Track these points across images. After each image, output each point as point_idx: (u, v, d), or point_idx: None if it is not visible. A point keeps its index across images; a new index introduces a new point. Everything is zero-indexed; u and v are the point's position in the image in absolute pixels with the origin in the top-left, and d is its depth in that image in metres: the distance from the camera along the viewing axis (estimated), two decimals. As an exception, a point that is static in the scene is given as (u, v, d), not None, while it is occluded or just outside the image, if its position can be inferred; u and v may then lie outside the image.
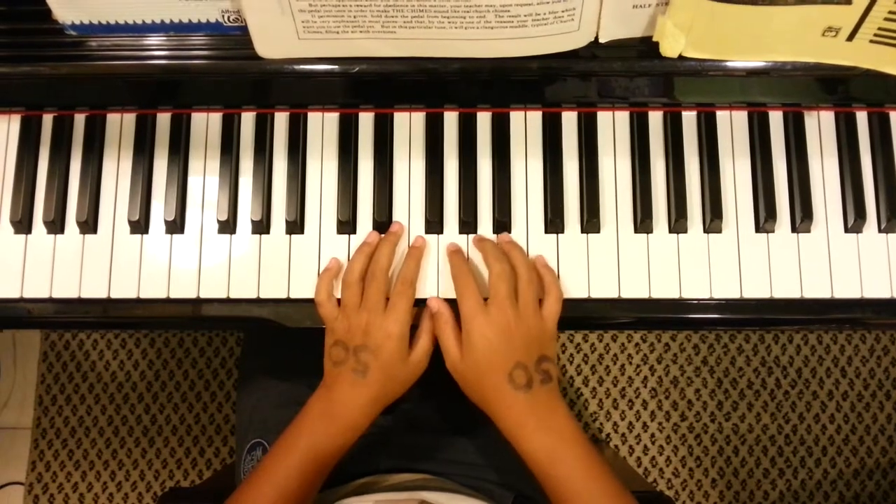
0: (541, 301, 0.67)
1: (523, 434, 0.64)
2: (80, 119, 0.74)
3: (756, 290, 0.71)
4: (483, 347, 0.64)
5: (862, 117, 0.74)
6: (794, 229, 0.72)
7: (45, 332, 1.57)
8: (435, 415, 0.86)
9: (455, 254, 0.70)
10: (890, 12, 0.60)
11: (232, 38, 0.66)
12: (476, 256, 0.71)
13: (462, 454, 0.82)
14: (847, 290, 0.71)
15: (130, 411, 1.56)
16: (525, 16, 0.61)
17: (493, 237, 0.71)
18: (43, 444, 1.55)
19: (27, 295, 0.71)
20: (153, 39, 0.66)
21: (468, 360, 0.65)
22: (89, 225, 0.72)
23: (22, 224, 0.72)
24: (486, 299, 0.66)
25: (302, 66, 0.67)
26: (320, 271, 0.71)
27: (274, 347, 0.93)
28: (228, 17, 0.64)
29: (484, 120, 0.74)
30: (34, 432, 1.56)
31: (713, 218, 0.71)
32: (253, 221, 0.72)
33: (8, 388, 1.58)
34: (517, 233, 0.72)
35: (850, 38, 0.62)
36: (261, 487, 0.66)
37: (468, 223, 0.71)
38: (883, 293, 0.71)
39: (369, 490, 0.75)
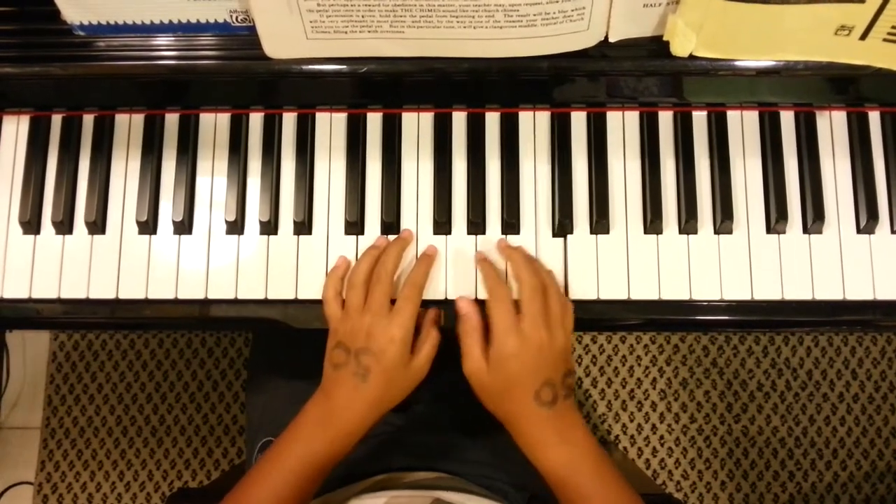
0: None
1: (542, 447, 0.63)
2: (88, 119, 0.74)
3: (767, 291, 0.70)
4: (515, 366, 0.63)
5: (874, 117, 0.73)
6: (805, 230, 0.71)
7: (53, 332, 1.58)
8: (449, 415, 0.86)
9: (485, 262, 0.69)
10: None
11: (240, 38, 0.66)
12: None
13: (476, 454, 0.82)
14: (859, 291, 0.70)
15: (139, 411, 1.56)
16: (534, 15, 0.60)
17: (503, 240, 0.71)
18: (52, 444, 1.56)
19: (35, 295, 0.71)
20: (161, 40, 0.66)
21: (495, 374, 0.64)
22: (97, 225, 0.72)
23: (31, 224, 0.72)
24: None
25: (310, 66, 0.67)
26: (328, 271, 0.70)
27: (283, 347, 0.93)
28: (236, 18, 0.64)
29: (493, 120, 0.73)
30: (43, 432, 1.57)
31: (724, 219, 0.70)
32: (261, 222, 0.71)
33: (17, 389, 1.59)
34: (526, 234, 0.71)
35: (863, 36, 0.61)
36: (255, 493, 0.65)
37: (477, 224, 0.71)
38: (895, 295, 0.70)
39: (383, 488, 0.75)
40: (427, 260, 0.70)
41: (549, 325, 0.64)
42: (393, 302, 0.66)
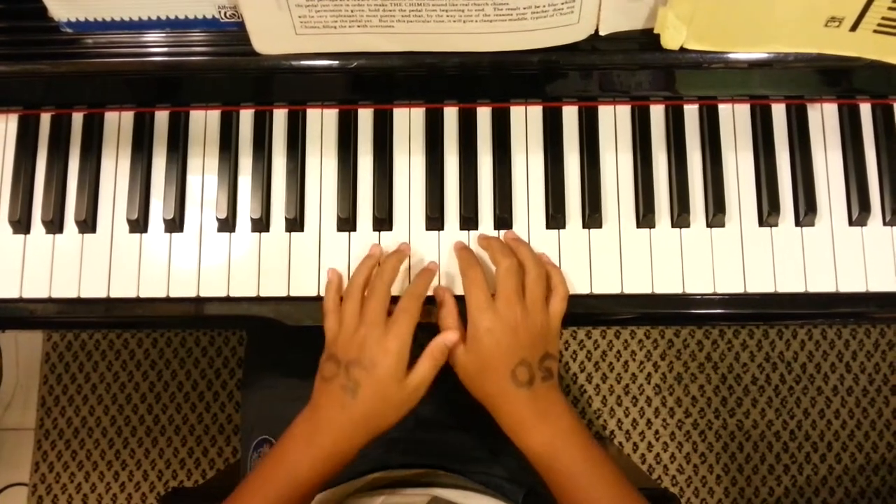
0: (546, 298, 0.67)
1: (523, 429, 0.63)
2: (77, 118, 0.73)
3: (760, 284, 0.70)
4: (489, 343, 0.63)
5: (866, 109, 0.73)
6: (797, 223, 0.71)
7: (47, 332, 1.57)
8: (446, 413, 0.86)
9: (463, 249, 0.69)
10: (894, 1, 0.59)
11: (229, 34, 0.65)
12: (481, 256, 0.70)
13: (472, 451, 0.82)
14: (852, 283, 0.70)
15: (133, 411, 1.56)
16: (524, 8, 0.60)
17: (496, 235, 0.71)
18: (46, 445, 1.55)
19: (26, 295, 0.71)
20: (149, 36, 0.66)
21: (471, 354, 0.64)
22: (88, 224, 0.71)
23: (20, 224, 0.71)
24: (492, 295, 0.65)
25: (300, 62, 0.66)
26: (321, 269, 0.70)
27: (278, 344, 0.93)
28: (225, 13, 0.64)
29: (484, 115, 0.73)
30: (37, 433, 1.56)
31: (716, 212, 0.70)
32: (252, 219, 0.71)
33: (11, 389, 1.58)
34: (518, 229, 0.71)
35: (854, 28, 0.61)
36: None
37: (469, 219, 0.71)
38: (888, 287, 0.70)
39: (381, 486, 0.75)
40: (428, 274, 0.68)
41: (526, 305, 0.64)
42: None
